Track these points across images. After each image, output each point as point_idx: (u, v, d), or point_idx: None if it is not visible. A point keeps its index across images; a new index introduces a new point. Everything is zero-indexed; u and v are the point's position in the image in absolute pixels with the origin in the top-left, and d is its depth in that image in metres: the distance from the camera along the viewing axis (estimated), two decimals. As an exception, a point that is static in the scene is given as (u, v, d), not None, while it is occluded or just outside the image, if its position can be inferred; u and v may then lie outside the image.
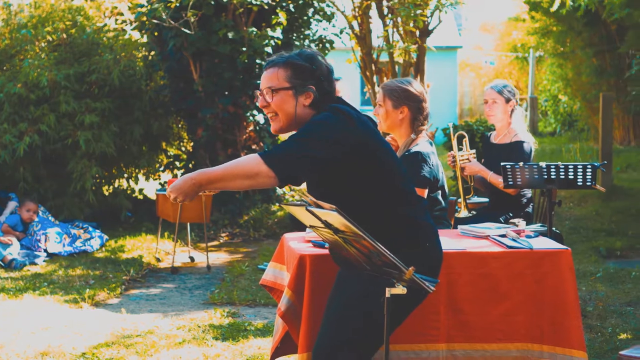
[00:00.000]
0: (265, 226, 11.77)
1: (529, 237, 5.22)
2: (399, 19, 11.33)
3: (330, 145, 3.86)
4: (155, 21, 11.53)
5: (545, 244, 5.07)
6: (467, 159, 7.26)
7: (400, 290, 3.52)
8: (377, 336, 4.02)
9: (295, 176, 3.88)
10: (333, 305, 4.15)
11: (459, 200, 7.10)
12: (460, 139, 7.38)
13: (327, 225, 3.41)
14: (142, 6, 12.07)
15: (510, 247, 4.93)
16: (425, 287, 3.38)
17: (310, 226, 3.65)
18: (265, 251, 10.47)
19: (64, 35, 11.90)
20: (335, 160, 3.88)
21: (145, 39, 12.67)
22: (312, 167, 3.86)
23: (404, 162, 5.27)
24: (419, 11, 10.67)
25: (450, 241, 5.11)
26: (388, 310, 3.58)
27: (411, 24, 11.02)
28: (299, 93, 4.03)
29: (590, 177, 6.48)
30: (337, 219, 3.33)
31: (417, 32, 11.71)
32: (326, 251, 4.71)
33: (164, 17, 11.22)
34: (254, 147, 12.29)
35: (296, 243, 4.98)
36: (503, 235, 5.22)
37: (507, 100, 7.30)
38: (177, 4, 11.32)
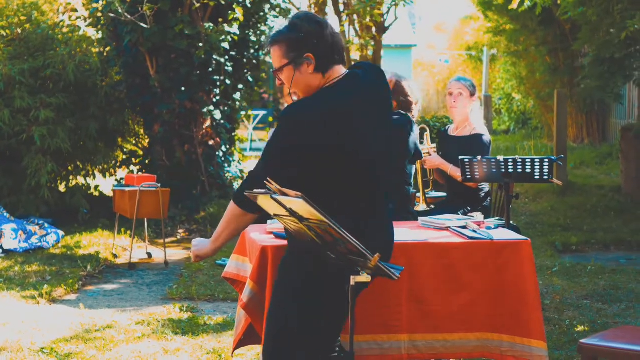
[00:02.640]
0: (223, 222, 11.72)
1: (489, 228, 5.26)
2: (355, 16, 11.37)
3: (285, 159, 3.96)
4: (111, 15, 11.45)
5: (505, 234, 5.11)
6: (428, 152, 7.29)
7: (365, 278, 3.53)
8: (322, 327, 4.03)
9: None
10: (270, 301, 4.20)
11: (418, 194, 7.13)
12: (421, 133, 7.41)
13: (292, 213, 3.41)
14: (96, 1, 11.98)
15: (471, 238, 4.96)
16: (390, 275, 3.39)
17: (275, 215, 3.64)
18: (222, 247, 10.40)
19: (18, 30, 11.78)
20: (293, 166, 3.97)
21: (100, 35, 12.58)
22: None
23: None
24: (374, 5, 10.71)
25: (411, 233, 5.14)
26: (352, 299, 3.58)
27: (367, 19, 11.06)
28: (298, 65, 4.00)
29: (547, 171, 6.54)
30: (302, 207, 3.33)
31: (374, 29, 11.76)
32: (288, 242, 4.71)
33: (120, 10, 11.15)
34: (210, 142, 12.25)
35: (258, 235, 4.98)
36: (464, 227, 5.25)
37: (472, 94, 7.34)
38: (133, -2, 11.29)
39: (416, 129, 6.70)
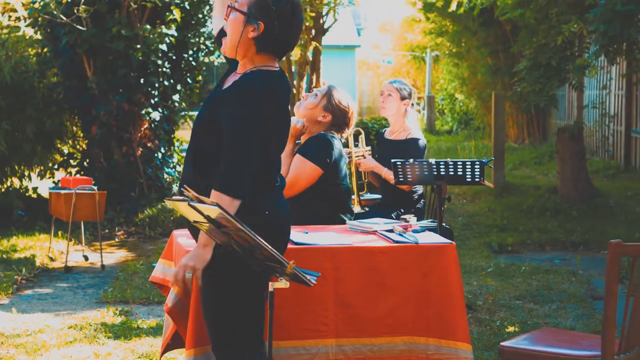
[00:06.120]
0: (162, 224, 11.69)
1: (415, 231, 5.30)
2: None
3: (261, 130, 3.91)
4: (47, 17, 11.37)
5: (430, 238, 5.15)
6: (363, 155, 7.33)
7: (283, 284, 3.55)
8: (244, 320, 4.03)
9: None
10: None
11: (353, 196, 7.16)
12: (356, 136, 7.46)
13: (210, 220, 3.42)
14: (34, 2, 11.89)
15: (397, 242, 5.01)
16: (306, 281, 3.42)
17: (194, 222, 3.65)
18: (160, 249, 10.40)
19: (-46, 32, 11.66)
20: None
21: (39, 36, 12.48)
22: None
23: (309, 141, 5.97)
24: (308, 7, 10.74)
25: (338, 236, 5.16)
26: (270, 304, 3.61)
27: (305, 23, 11.09)
28: (248, 23, 3.98)
29: (478, 173, 6.62)
30: (218, 214, 3.34)
31: (313, 31, 11.80)
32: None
33: (56, 13, 11.07)
34: (149, 144, 12.20)
35: (185, 239, 4.98)
36: (390, 230, 5.29)
37: (402, 98, 7.40)
38: (69, 0, 11.19)
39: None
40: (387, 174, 7.19)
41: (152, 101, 12.13)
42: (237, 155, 3.85)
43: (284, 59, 12.23)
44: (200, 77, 13.16)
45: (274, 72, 4.03)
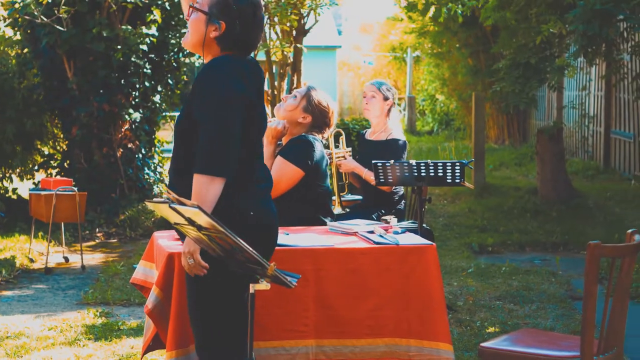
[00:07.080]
0: (142, 225, 11.67)
1: (396, 233, 5.32)
2: (276, 18, 11.40)
3: (240, 103, 3.95)
4: (27, 17, 11.33)
5: (411, 239, 5.17)
6: (343, 156, 7.35)
7: (264, 286, 3.56)
8: (228, 325, 4.04)
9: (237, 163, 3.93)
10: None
11: (333, 197, 7.18)
12: (336, 137, 7.47)
13: (191, 222, 3.43)
14: (14, 2, 11.84)
15: (378, 243, 5.02)
16: (287, 283, 3.42)
17: (175, 224, 3.65)
18: (141, 250, 10.36)
19: None
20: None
21: (19, 36, 12.43)
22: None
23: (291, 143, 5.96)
24: (290, 10, 10.74)
25: (319, 238, 5.18)
26: (251, 306, 3.61)
27: (288, 24, 11.09)
28: (209, 22, 4.01)
29: (458, 174, 6.64)
30: (199, 216, 3.35)
31: (294, 32, 11.79)
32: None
33: (36, 13, 11.04)
34: (129, 145, 12.18)
35: (165, 241, 4.98)
36: (371, 232, 5.31)
37: (385, 98, 7.42)
38: (49, 0, 11.16)
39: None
40: (368, 175, 7.20)
41: (133, 102, 12.12)
42: (212, 133, 3.88)
43: (264, 59, 12.25)
44: (185, 77, 13.16)
45: (237, 56, 4.08)
